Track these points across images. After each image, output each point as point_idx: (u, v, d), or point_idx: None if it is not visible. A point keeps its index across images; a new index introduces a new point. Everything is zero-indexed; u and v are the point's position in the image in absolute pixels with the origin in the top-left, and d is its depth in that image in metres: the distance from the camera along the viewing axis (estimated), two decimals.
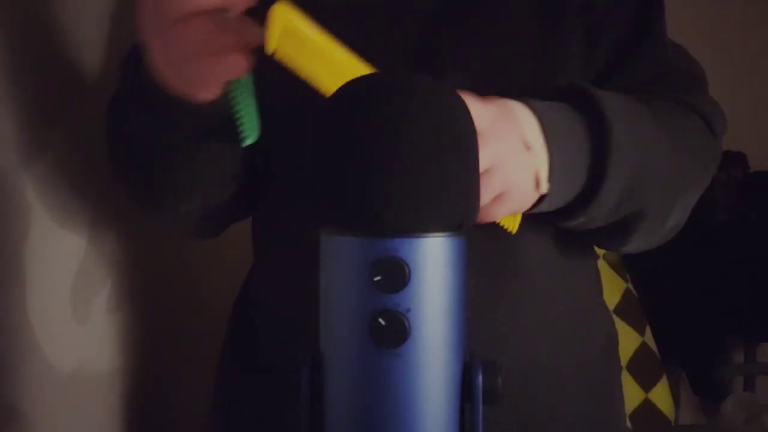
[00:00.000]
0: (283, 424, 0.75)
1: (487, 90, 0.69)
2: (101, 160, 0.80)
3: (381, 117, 0.40)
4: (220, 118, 0.61)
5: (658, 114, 0.69)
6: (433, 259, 0.41)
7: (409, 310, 0.40)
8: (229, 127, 0.60)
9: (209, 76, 0.57)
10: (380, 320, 0.40)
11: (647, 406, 1.73)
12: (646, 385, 1.73)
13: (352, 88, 0.43)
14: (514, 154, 0.58)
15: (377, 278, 0.40)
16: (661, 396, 1.75)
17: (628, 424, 1.67)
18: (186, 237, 0.91)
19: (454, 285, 0.42)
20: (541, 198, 0.61)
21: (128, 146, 0.71)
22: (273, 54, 0.55)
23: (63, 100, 0.84)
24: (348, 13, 0.72)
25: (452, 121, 0.42)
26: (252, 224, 0.83)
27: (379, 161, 0.40)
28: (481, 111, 0.56)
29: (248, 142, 0.61)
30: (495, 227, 0.71)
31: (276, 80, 0.58)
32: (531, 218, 0.73)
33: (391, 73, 0.45)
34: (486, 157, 0.55)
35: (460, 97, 0.43)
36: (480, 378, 0.42)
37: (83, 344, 0.90)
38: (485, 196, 0.57)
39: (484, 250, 0.69)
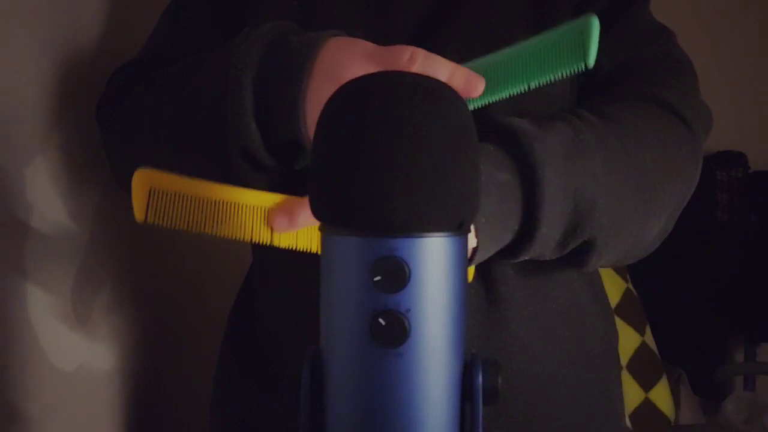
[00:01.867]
0: (283, 424, 0.75)
1: None
2: (102, 160, 0.80)
3: (382, 117, 0.40)
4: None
5: (618, 128, 0.66)
6: (434, 259, 0.41)
7: (409, 310, 0.40)
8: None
9: None
10: (380, 320, 0.40)
11: (647, 406, 1.73)
12: (646, 385, 1.73)
13: (352, 87, 0.43)
14: None
15: (377, 278, 0.40)
16: (661, 396, 1.75)
17: (628, 424, 1.67)
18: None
19: (454, 285, 0.42)
20: (474, 250, 0.59)
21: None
22: (145, 221, 0.56)
23: (64, 100, 0.84)
24: (344, 12, 0.72)
25: (453, 121, 0.42)
26: None
27: (380, 161, 0.40)
28: None
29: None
30: None
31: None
32: None
33: (392, 72, 0.45)
34: None
35: (460, 96, 0.43)
36: (480, 377, 0.42)
37: (83, 344, 0.90)
38: None
39: None
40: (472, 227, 0.57)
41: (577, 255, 0.65)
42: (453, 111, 0.42)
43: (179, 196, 0.56)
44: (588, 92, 0.74)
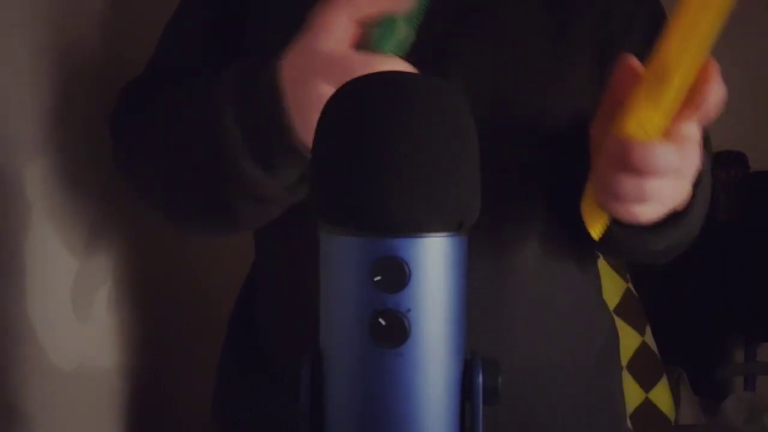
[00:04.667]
0: (283, 423, 0.75)
1: (493, 91, 0.69)
2: (102, 159, 0.80)
3: (381, 117, 0.40)
4: None
5: None
6: (434, 259, 0.41)
7: (409, 310, 0.40)
8: None
9: None
10: (380, 320, 0.40)
11: (647, 406, 1.73)
12: (646, 385, 1.74)
13: (354, 86, 0.43)
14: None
15: (377, 278, 0.40)
16: (661, 396, 1.75)
17: (628, 424, 1.67)
18: (193, 238, 0.90)
19: (455, 285, 0.42)
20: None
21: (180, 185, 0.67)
22: None
23: (64, 99, 0.84)
24: None
25: (454, 121, 0.42)
26: None
27: (379, 161, 0.40)
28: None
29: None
30: (496, 228, 0.71)
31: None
32: (527, 219, 0.73)
33: (392, 73, 0.45)
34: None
35: (462, 97, 0.43)
36: (480, 377, 0.42)
37: (84, 343, 0.90)
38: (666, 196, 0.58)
39: (481, 252, 0.69)
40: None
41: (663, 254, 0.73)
42: (452, 111, 0.42)
43: None
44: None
